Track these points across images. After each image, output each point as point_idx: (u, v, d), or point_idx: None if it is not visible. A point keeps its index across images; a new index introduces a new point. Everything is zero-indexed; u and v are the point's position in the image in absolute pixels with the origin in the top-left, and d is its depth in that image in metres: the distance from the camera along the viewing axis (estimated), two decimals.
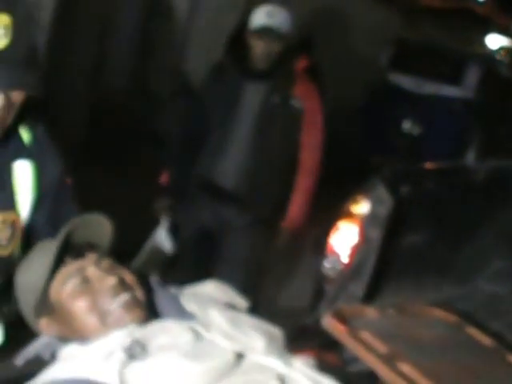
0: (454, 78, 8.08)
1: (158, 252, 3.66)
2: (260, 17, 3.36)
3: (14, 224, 1.76)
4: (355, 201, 2.70)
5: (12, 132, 1.72)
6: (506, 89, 8.07)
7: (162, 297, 1.63)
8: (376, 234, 2.65)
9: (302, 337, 2.63)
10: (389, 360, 2.21)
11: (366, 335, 2.33)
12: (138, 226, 3.75)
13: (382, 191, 2.63)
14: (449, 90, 8.07)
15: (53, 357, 1.55)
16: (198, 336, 1.45)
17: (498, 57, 9.82)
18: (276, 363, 1.44)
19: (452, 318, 2.59)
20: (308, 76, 3.58)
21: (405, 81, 8.32)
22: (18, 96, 1.62)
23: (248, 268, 3.59)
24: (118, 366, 1.35)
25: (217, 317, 1.52)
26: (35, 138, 1.80)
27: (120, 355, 1.37)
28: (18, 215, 1.77)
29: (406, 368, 2.18)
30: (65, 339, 1.55)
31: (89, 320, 1.51)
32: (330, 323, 2.40)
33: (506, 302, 3.00)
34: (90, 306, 1.51)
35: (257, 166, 3.46)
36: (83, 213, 1.70)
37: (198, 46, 7.12)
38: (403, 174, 2.89)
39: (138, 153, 6.18)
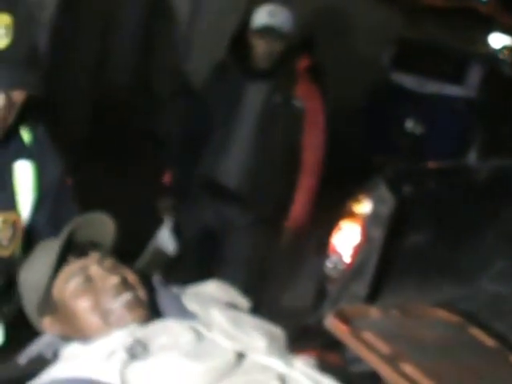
0: (457, 78, 8.07)
1: (161, 252, 3.66)
2: (262, 16, 3.36)
3: (14, 224, 1.76)
4: (357, 200, 2.69)
5: (13, 132, 1.72)
6: (509, 88, 8.05)
7: (163, 296, 1.63)
8: (378, 234, 2.64)
9: (304, 337, 2.62)
10: (391, 360, 2.21)
11: (369, 335, 2.33)
12: (140, 226, 3.75)
13: (384, 191, 2.63)
14: (451, 90, 8.06)
15: (55, 356, 1.55)
16: (199, 336, 1.45)
17: (501, 56, 9.80)
18: (277, 363, 1.43)
19: (455, 318, 2.58)
20: (310, 76, 3.57)
21: (407, 80, 8.31)
22: (18, 96, 1.62)
23: (250, 268, 3.59)
24: (120, 366, 1.35)
25: (218, 316, 1.52)
26: (36, 138, 1.80)
27: (121, 355, 1.37)
28: (18, 215, 1.77)
29: (408, 368, 2.17)
30: (67, 338, 1.55)
31: (91, 319, 1.51)
32: (332, 323, 2.39)
33: (509, 302, 2.99)
34: (93, 305, 1.51)
35: (259, 165, 3.46)
36: (84, 212, 1.70)
37: (200, 45, 7.11)
38: (405, 173, 2.88)
39: (139, 151, 6.17)
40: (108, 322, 1.50)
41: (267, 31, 3.34)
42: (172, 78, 7.13)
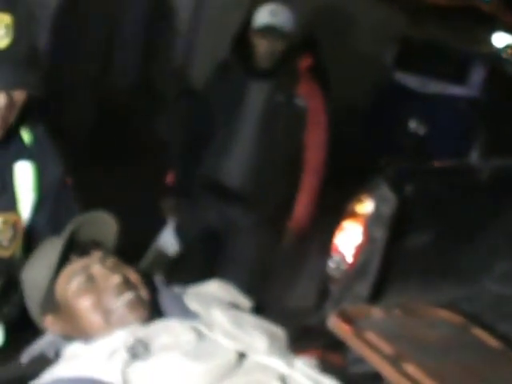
0: (460, 77, 8.06)
1: (164, 252, 3.66)
2: (263, 16, 3.36)
3: (15, 225, 1.76)
4: (359, 200, 2.69)
5: (13, 133, 1.72)
6: None
7: (165, 296, 1.63)
8: (380, 234, 2.64)
9: (306, 337, 2.62)
10: (394, 360, 2.20)
11: (371, 336, 2.32)
12: (142, 226, 3.75)
13: (386, 190, 2.62)
14: (454, 89, 8.05)
15: (57, 355, 1.55)
16: (200, 335, 1.45)
17: (504, 55, 9.79)
18: (278, 363, 1.43)
19: (457, 318, 2.58)
20: (312, 75, 3.57)
21: (410, 80, 8.30)
22: (19, 95, 1.62)
23: (254, 268, 3.59)
24: (121, 366, 1.35)
25: (219, 316, 1.52)
26: (36, 138, 1.80)
27: (123, 354, 1.37)
28: (19, 216, 1.77)
29: (410, 369, 2.17)
30: (69, 337, 1.55)
31: (93, 318, 1.51)
32: (334, 323, 2.39)
33: None
34: (95, 305, 1.51)
35: (261, 165, 3.46)
36: (85, 212, 1.69)
37: (203, 46, 7.12)
38: (407, 173, 2.87)
39: (142, 152, 6.18)
40: (110, 322, 1.49)
41: (269, 30, 3.34)
42: (175, 79, 7.14)
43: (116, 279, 1.52)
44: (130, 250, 1.73)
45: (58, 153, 1.86)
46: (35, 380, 1.46)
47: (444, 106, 7.93)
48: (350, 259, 2.70)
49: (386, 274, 2.71)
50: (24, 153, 1.77)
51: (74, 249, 1.58)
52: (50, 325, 1.59)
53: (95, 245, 1.60)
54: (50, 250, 1.59)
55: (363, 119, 8.40)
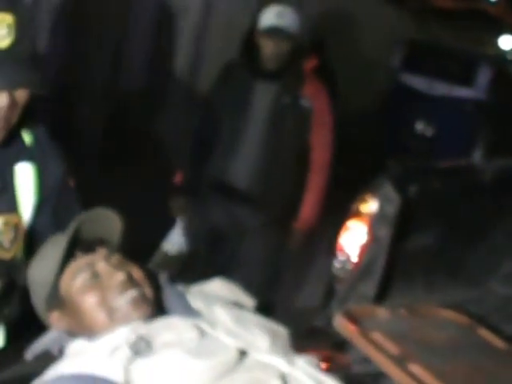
0: (466, 79, 8.06)
1: (173, 252, 3.67)
2: (269, 17, 3.37)
3: (16, 226, 1.75)
4: (364, 200, 2.68)
5: (13, 134, 1.71)
6: None
7: (169, 294, 1.63)
8: (384, 233, 2.63)
9: (312, 337, 2.62)
10: (399, 361, 2.20)
11: (377, 336, 2.32)
12: (151, 226, 3.77)
13: (390, 190, 2.62)
14: (461, 91, 8.05)
15: (61, 352, 1.55)
16: (202, 333, 1.45)
17: (509, 57, 9.80)
18: (279, 361, 1.43)
19: (463, 319, 2.57)
20: (317, 76, 3.58)
21: (417, 82, 8.31)
22: (22, 95, 1.61)
23: (262, 268, 3.60)
24: (124, 362, 1.35)
25: (222, 314, 1.52)
26: (36, 139, 1.79)
27: (125, 351, 1.37)
28: (20, 217, 1.76)
29: (416, 369, 2.17)
30: (73, 334, 1.55)
31: (97, 315, 1.51)
32: (340, 323, 2.39)
33: None
34: (99, 302, 1.51)
35: (268, 165, 3.47)
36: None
37: (211, 50, 7.13)
38: (411, 172, 2.87)
39: (150, 153, 6.20)
40: (113, 319, 1.50)
41: (275, 32, 3.35)
42: (183, 83, 7.16)
43: (120, 276, 1.52)
44: (139, 249, 1.73)
45: (59, 154, 1.85)
46: (39, 378, 1.46)
47: (451, 108, 7.94)
48: (355, 259, 2.70)
49: (391, 274, 2.70)
50: (24, 154, 1.76)
51: (79, 246, 1.58)
52: (56, 321, 1.59)
53: (100, 242, 1.61)
54: (54, 247, 1.59)
55: (370, 121, 8.41)
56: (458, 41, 8.86)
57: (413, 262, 2.76)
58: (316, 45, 5.32)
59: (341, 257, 2.75)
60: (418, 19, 9.52)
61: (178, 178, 3.64)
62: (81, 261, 1.56)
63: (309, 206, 3.52)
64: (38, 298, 1.61)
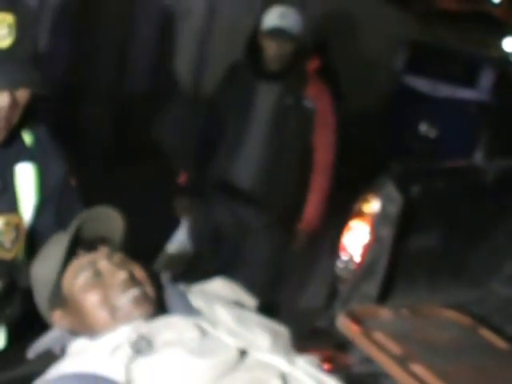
0: (469, 81, 8.06)
1: (179, 252, 3.68)
2: (272, 18, 3.37)
3: (17, 226, 1.75)
4: (366, 200, 2.69)
5: (14, 134, 1.71)
6: None
7: (170, 293, 1.63)
8: (387, 233, 2.64)
9: (315, 337, 2.62)
10: (401, 361, 2.20)
11: (380, 336, 2.33)
12: (154, 227, 3.77)
13: (392, 190, 2.62)
14: (464, 93, 8.05)
15: (63, 351, 1.55)
16: (203, 332, 1.45)
17: None
18: (279, 361, 1.43)
19: (466, 320, 2.57)
20: (320, 76, 3.58)
21: (420, 83, 8.30)
22: (23, 95, 1.61)
23: (266, 269, 3.60)
24: (125, 361, 1.35)
25: (223, 314, 1.53)
26: (37, 140, 1.79)
27: (127, 350, 1.37)
28: (21, 218, 1.76)
29: (418, 369, 2.17)
30: (76, 333, 1.55)
31: (99, 314, 1.51)
32: (343, 323, 2.39)
33: None
34: (101, 300, 1.51)
35: (272, 166, 3.47)
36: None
37: (216, 52, 7.14)
38: (413, 173, 2.87)
39: (152, 154, 6.21)
40: (115, 317, 1.50)
41: (277, 33, 3.35)
42: (188, 86, 7.17)
43: (122, 275, 1.52)
44: (144, 249, 1.73)
45: (60, 154, 1.85)
46: (41, 377, 1.46)
47: (454, 110, 7.92)
48: (357, 259, 2.70)
49: (393, 274, 2.71)
50: (25, 154, 1.76)
51: (81, 244, 1.58)
52: (58, 320, 1.59)
53: (102, 241, 1.61)
54: (56, 245, 1.59)
55: (374, 122, 8.41)
56: (461, 43, 8.86)
57: (415, 263, 2.77)
58: (319, 46, 5.33)
59: (343, 257, 2.75)
60: (422, 21, 9.52)
61: (182, 178, 3.65)
62: (83, 259, 1.56)
63: (312, 207, 3.52)
64: (41, 296, 1.62)
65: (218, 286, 1.69)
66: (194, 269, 3.60)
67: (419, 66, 8.40)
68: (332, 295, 2.82)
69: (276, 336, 1.52)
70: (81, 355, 1.44)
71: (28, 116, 1.70)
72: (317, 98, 3.45)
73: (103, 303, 1.51)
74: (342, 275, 2.76)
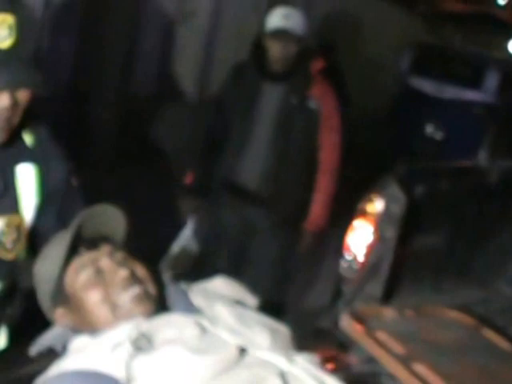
0: (475, 83, 8.05)
1: (185, 252, 3.68)
2: (275, 19, 3.38)
3: (19, 227, 1.76)
4: (370, 199, 2.69)
5: (15, 135, 1.71)
6: None
7: (172, 292, 1.63)
8: (391, 233, 2.63)
9: (319, 337, 2.62)
10: (405, 360, 2.20)
11: (383, 336, 2.33)
12: (160, 227, 3.78)
13: (396, 189, 2.62)
14: (470, 95, 8.04)
15: (64, 349, 1.56)
16: (203, 330, 1.46)
17: None
18: (278, 359, 1.43)
19: (469, 320, 2.57)
20: (325, 77, 3.58)
21: (426, 85, 8.30)
22: (23, 96, 1.61)
23: (273, 269, 3.60)
24: (125, 359, 1.36)
25: (223, 312, 1.53)
26: (38, 140, 1.79)
27: (128, 347, 1.38)
28: (22, 218, 1.77)
29: (421, 369, 2.17)
30: (77, 330, 1.55)
31: (100, 312, 1.51)
32: (347, 323, 2.39)
33: None
34: (102, 298, 1.52)
35: (277, 166, 3.48)
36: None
37: (222, 54, 7.15)
38: (416, 172, 2.87)
39: (159, 155, 6.23)
40: (116, 315, 1.50)
41: (281, 34, 3.36)
42: (193, 87, 7.18)
43: (123, 273, 1.52)
44: (149, 249, 1.74)
45: (62, 154, 1.85)
46: (42, 375, 1.47)
47: (460, 111, 7.92)
48: (361, 258, 2.70)
49: (398, 275, 2.70)
50: (26, 155, 1.76)
51: (83, 243, 1.59)
52: (60, 317, 1.59)
53: (104, 239, 1.62)
54: (58, 243, 1.59)
55: (380, 124, 8.40)
56: (467, 44, 8.85)
57: (420, 263, 2.76)
58: (325, 47, 5.32)
59: (348, 256, 2.75)
60: (428, 23, 9.52)
61: (189, 178, 3.66)
62: (84, 257, 1.57)
63: (318, 207, 3.52)
64: (44, 294, 1.62)
65: (219, 284, 1.69)
66: (199, 269, 3.61)
67: (425, 67, 8.40)
68: (337, 295, 2.82)
69: (276, 334, 1.52)
70: (81, 352, 1.44)
71: (29, 117, 1.70)
72: (321, 99, 3.45)
73: (104, 301, 1.51)
74: (346, 275, 2.76)
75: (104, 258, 1.56)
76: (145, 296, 1.52)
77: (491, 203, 2.92)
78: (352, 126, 3.92)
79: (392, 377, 2.16)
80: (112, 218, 1.64)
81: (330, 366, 2.22)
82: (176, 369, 1.34)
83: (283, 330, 1.58)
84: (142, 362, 1.36)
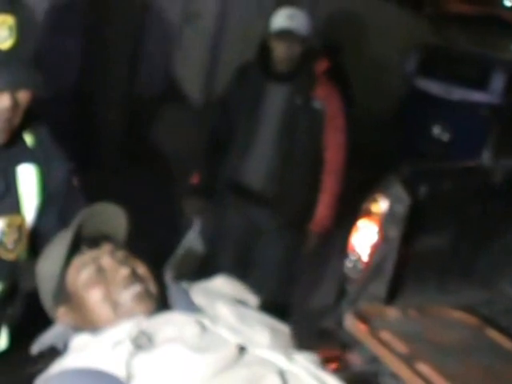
0: (482, 84, 8.04)
1: (191, 253, 3.68)
2: (280, 20, 3.39)
3: (20, 227, 1.76)
4: (374, 199, 2.69)
5: (16, 135, 1.71)
6: None
7: (173, 290, 1.63)
8: (395, 233, 2.63)
9: (322, 336, 2.62)
10: (408, 360, 2.20)
11: (387, 335, 2.33)
12: (166, 228, 3.78)
13: (400, 190, 2.62)
14: (476, 96, 8.03)
15: (66, 347, 1.56)
16: (204, 329, 1.46)
17: None
18: (278, 358, 1.43)
19: (473, 320, 2.57)
20: (329, 78, 3.58)
21: (433, 86, 8.28)
22: (24, 97, 1.61)
23: (278, 270, 3.60)
24: (126, 357, 1.36)
25: (224, 310, 1.53)
26: (39, 141, 1.80)
27: (128, 345, 1.38)
28: (23, 219, 1.77)
29: (425, 369, 2.17)
30: (79, 329, 1.56)
31: (101, 310, 1.52)
32: (350, 323, 2.40)
33: None
34: (104, 296, 1.52)
35: (282, 166, 3.48)
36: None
37: (227, 55, 7.15)
38: (421, 173, 2.87)
39: (165, 156, 6.24)
40: (117, 313, 1.50)
41: (285, 34, 3.36)
42: (199, 88, 7.19)
43: (125, 271, 1.53)
44: (155, 250, 1.74)
45: (62, 154, 1.86)
46: (43, 373, 1.47)
47: (467, 113, 7.90)
48: (365, 258, 2.70)
49: (402, 275, 2.70)
50: (27, 155, 1.76)
51: (85, 241, 1.59)
52: (62, 316, 1.60)
53: (105, 237, 1.62)
54: (60, 242, 1.60)
55: (386, 126, 8.39)
56: (473, 46, 8.83)
57: (424, 263, 2.76)
58: (330, 47, 5.32)
59: (352, 256, 2.75)
60: (434, 24, 9.50)
61: (194, 179, 3.66)
62: (86, 256, 1.57)
63: (323, 208, 3.52)
64: (45, 293, 1.63)
65: (221, 283, 1.69)
66: (205, 270, 3.61)
67: (431, 69, 8.38)
68: (341, 295, 2.82)
69: (276, 333, 1.52)
70: (82, 351, 1.45)
71: (29, 117, 1.70)
72: (326, 100, 3.45)
73: (105, 299, 1.52)
74: (350, 275, 2.76)
75: (105, 256, 1.56)
76: (146, 294, 1.52)
77: (495, 203, 2.92)
78: (357, 126, 3.91)
79: (395, 376, 2.16)
80: (113, 217, 1.64)
81: (333, 365, 2.22)
82: (176, 367, 1.34)
83: (284, 329, 1.58)
84: (143, 360, 1.36)
